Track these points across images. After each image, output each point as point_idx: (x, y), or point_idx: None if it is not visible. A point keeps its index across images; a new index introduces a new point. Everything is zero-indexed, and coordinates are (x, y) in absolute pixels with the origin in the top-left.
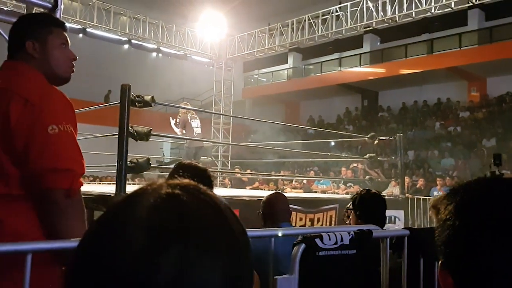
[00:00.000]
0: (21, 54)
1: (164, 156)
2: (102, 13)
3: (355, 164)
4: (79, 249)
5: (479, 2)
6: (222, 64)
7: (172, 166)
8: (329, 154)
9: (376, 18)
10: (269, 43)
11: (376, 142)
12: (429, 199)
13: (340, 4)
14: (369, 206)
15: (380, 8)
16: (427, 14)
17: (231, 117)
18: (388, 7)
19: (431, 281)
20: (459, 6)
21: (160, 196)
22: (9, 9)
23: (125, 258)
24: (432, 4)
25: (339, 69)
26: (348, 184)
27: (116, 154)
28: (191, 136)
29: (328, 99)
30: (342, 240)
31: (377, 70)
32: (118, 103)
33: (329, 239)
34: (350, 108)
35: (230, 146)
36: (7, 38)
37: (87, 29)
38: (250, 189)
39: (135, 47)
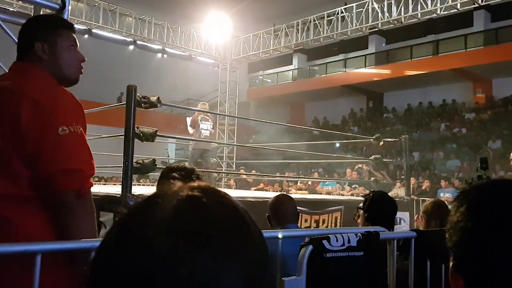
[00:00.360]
0: (30, 56)
1: (169, 157)
2: (107, 14)
3: (360, 165)
4: (101, 250)
5: (485, 3)
6: (227, 65)
7: None
8: (334, 155)
9: (381, 19)
10: (274, 44)
11: (381, 143)
12: None
13: (346, 5)
14: (378, 208)
15: (385, 9)
16: (433, 15)
17: (236, 118)
18: (394, 8)
19: (437, 283)
20: (465, 7)
21: (181, 198)
22: (14, 10)
23: (145, 260)
24: (438, 5)
25: (344, 70)
26: (353, 186)
27: (122, 155)
28: (198, 137)
29: (333, 100)
30: (349, 242)
31: (382, 71)
32: (124, 104)
33: (337, 241)
34: (355, 109)
35: (235, 147)
36: (14, 39)
37: (93, 30)
38: (255, 190)
39: (140, 48)
